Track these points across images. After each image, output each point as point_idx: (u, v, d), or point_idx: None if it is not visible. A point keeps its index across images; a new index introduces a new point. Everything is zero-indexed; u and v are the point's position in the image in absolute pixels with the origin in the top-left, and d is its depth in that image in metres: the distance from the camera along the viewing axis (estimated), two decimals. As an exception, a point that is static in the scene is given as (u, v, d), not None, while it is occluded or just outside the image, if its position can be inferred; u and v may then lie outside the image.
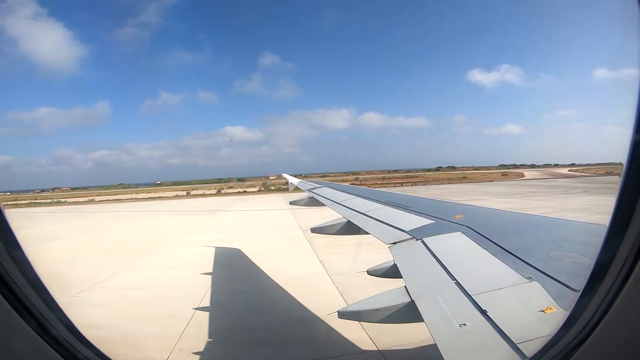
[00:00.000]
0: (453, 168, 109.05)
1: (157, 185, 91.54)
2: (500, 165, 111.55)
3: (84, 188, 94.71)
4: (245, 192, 61.98)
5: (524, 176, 73.73)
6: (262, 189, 63.82)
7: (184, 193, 63.36)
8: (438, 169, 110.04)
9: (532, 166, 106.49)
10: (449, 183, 62.51)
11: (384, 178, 79.92)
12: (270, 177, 69.98)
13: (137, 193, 69.31)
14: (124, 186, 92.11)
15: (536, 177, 66.12)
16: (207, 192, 63.43)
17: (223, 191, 64.38)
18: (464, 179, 70.26)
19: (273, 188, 62.73)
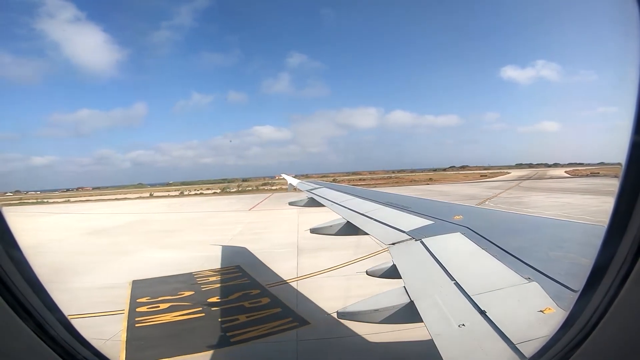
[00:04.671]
0: (463, 168, 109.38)
1: (168, 185, 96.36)
2: (516, 164, 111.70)
3: (105, 188, 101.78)
4: (202, 193, 64.08)
5: (497, 176, 72.46)
6: (219, 191, 66.41)
7: (166, 194, 65.21)
8: (446, 169, 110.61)
9: (555, 165, 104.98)
10: (412, 184, 61.81)
11: (360, 179, 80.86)
12: (277, 178, 71.14)
13: (125, 194, 71.15)
14: (140, 186, 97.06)
15: (507, 179, 63.97)
16: (171, 193, 65.43)
17: (186, 193, 66.62)
18: (429, 180, 70.43)
19: (233, 190, 65.64)
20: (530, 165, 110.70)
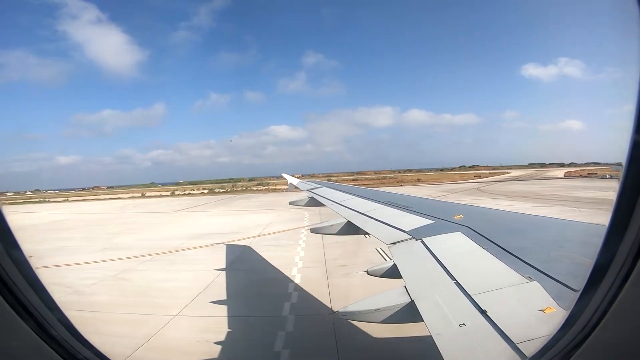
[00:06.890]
0: (473, 167, 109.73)
1: (177, 184, 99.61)
2: (529, 164, 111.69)
3: (119, 187, 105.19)
4: (190, 194, 66.66)
5: (490, 177, 72.15)
6: (206, 191, 68.86)
7: (158, 194, 67.17)
8: (454, 168, 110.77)
9: (571, 164, 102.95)
10: (398, 185, 62.00)
11: (353, 179, 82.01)
12: (282, 177, 72.04)
13: (125, 193, 73.25)
14: (152, 185, 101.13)
15: (492, 180, 63.70)
16: (163, 193, 67.41)
17: (176, 193, 69.03)
18: (417, 181, 70.89)
19: (221, 190, 68.20)
20: (542, 165, 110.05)
